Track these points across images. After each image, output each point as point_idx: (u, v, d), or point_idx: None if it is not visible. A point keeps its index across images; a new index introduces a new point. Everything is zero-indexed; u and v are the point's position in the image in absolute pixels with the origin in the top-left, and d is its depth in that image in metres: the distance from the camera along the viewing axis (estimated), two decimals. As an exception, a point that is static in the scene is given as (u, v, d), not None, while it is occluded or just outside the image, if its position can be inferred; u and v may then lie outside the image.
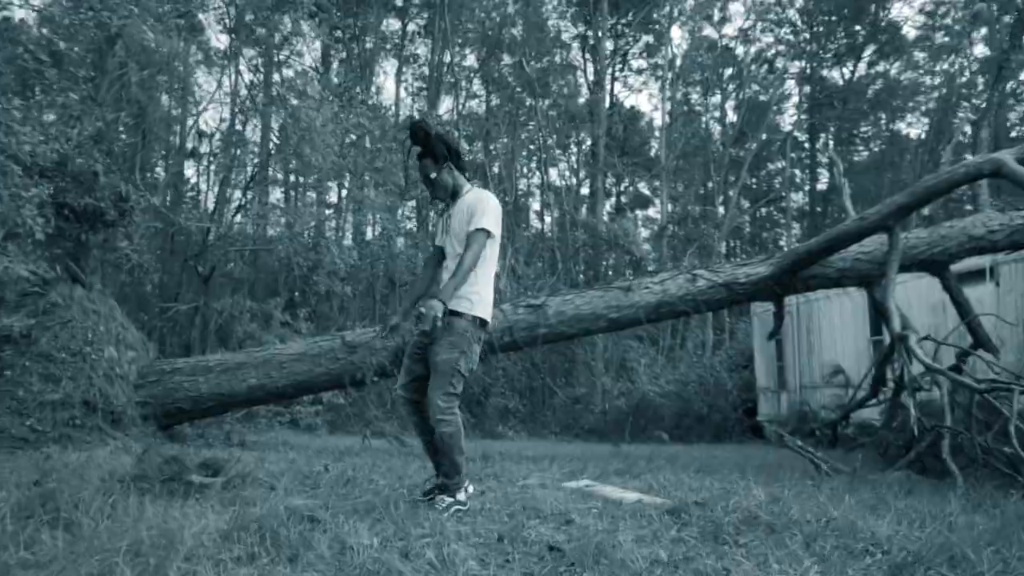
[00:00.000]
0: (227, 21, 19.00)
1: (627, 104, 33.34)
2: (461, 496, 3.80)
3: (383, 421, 9.76)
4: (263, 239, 15.89)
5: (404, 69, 31.50)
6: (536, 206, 32.67)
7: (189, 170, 27.06)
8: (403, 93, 31.27)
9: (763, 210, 34.11)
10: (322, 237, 16.75)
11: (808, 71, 31.39)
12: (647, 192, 34.12)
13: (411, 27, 29.98)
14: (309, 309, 14.97)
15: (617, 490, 4.82)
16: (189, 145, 21.87)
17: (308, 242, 14.56)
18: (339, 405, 12.00)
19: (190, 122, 24.55)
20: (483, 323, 3.79)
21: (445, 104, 28.50)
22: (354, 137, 17.70)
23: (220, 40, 20.97)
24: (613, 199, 37.37)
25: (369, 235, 21.20)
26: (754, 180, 34.14)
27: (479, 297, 3.76)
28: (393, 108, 28.47)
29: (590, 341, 17.56)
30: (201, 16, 21.93)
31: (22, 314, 6.89)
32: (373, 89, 29.17)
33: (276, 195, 27.48)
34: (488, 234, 3.71)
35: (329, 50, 26.89)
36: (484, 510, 3.79)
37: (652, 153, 31.99)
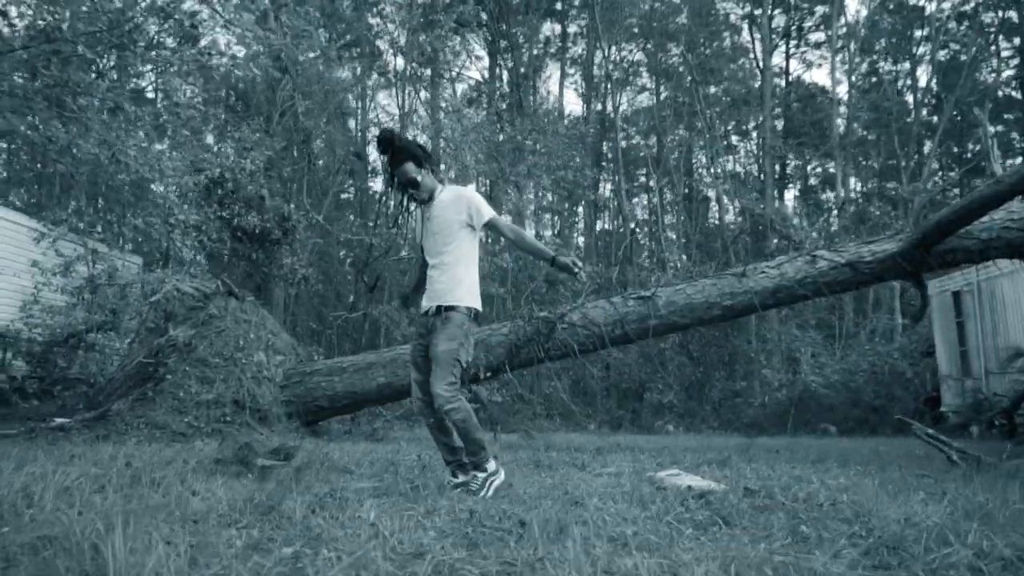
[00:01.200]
0: (397, 45, 20.36)
1: (806, 80, 31.59)
2: (491, 466, 4.01)
3: (511, 416, 10.06)
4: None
5: (570, 71, 31.93)
6: (713, 195, 31.73)
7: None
8: (573, 95, 31.73)
9: (971, 180, 30.79)
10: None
11: (1017, 20, 27.94)
12: (835, 171, 31.98)
13: (572, 29, 30.32)
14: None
15: (690, 478, 4.79)
16: (357, 165, 23.51)
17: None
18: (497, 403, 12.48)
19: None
20: (476, 313, 3.95)
21: (611, 101, 28.51)
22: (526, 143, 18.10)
23: (388, 62, 22.45)
24: (799, 182, 35.52)
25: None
26: (957, 148, 30.94)
27: (470, 289, 3.94)
28: (561, 110, 28.90)
29: (758, 332, 16.92)
30: (378, 43, 23.67)
31: (187, 325, 7.93)
32: (543, 93, 29.88)
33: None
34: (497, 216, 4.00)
35: (496, 61, 27.88)
36: (515, 494, 3.93)
37: (840, 130, 29.96)
